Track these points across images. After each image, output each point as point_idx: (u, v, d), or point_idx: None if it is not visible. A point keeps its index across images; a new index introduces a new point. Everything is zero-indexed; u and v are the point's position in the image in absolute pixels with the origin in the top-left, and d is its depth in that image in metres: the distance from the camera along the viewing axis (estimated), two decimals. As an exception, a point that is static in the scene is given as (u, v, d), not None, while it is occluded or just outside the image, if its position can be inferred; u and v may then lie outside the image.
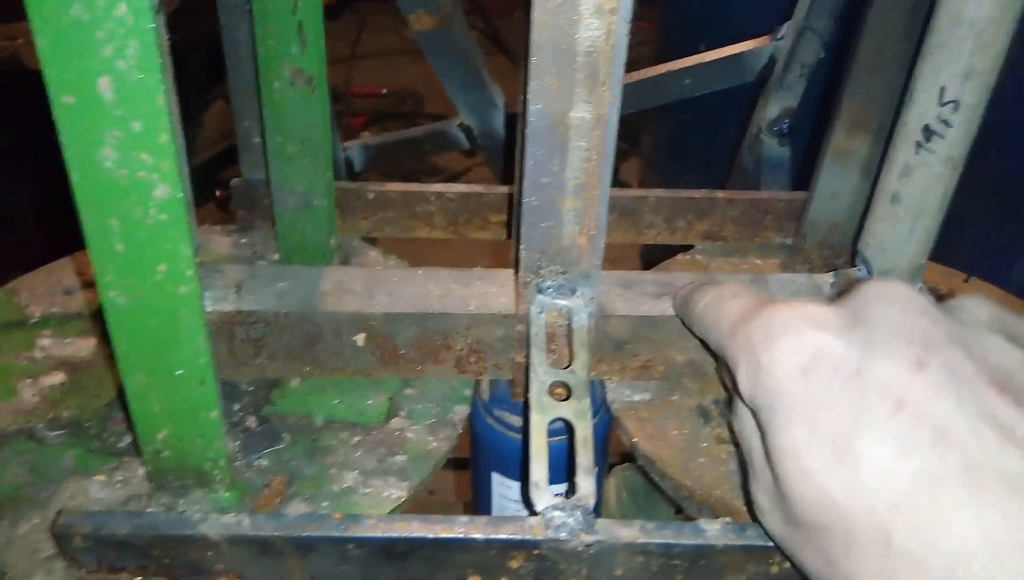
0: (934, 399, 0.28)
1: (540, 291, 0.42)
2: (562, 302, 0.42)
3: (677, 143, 1.36)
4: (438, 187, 0.58)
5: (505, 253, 0.48)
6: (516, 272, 0.42)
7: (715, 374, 0.46)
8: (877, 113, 0.51)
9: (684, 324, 0.42)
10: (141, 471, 0.39)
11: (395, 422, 0.44)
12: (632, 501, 0.58)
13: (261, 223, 0.57)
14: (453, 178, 2.10)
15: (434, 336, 0.44)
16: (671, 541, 0.34)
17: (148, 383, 0.34)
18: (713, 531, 0.35)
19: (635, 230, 0.61)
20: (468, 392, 0.47)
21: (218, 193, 0.87)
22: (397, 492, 0.41)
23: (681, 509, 0.56)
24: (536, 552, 0.35)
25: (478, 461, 0.51)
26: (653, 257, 0.64)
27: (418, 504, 0.42)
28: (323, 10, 0.45)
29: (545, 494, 0.35)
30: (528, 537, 0.34)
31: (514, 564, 0.35)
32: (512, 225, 0.46)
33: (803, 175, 0.59)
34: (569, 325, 0.42)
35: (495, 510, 0.51)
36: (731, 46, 0.72)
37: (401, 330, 0.44)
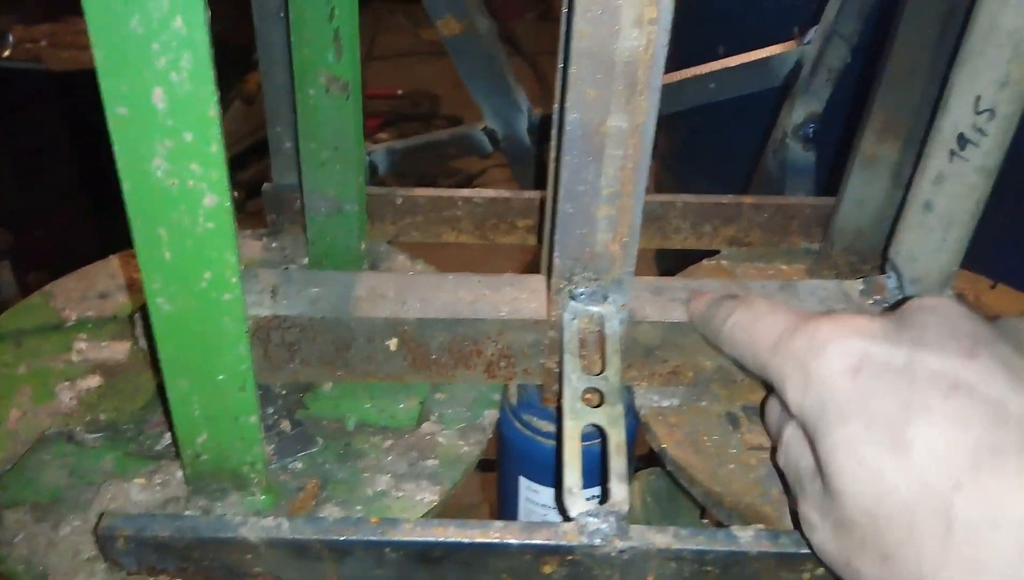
0: (988, 380, 0.28)
1: (573, 297, 0.42)
2: (594, 308, 0.42)
3: (693, 146, 1.35)
4: (466, 192, 0.59)
5: (527, 257, 0.48)
6: (548, 278, 0.43)
7: (743, 380, 0.46)
8: (908, 119, 0.50)
9: (705, 338, 0.42)
10: (179, 474, 0.40)
11: (426, 426, 0.45)
12: (656, 505, 0.58)
13: (291, 227, 0.57)
14: (469, 179, 2.11)
15: (465, 341, 0.45)
16: (704, 548, 0.35)
17: (191, 388, 0.35)
18: (746, 538, 0.35)
19: (661, 235, 0.61)
20: (497, 397, 0.48)
21: (236, 194, 0.88)
22: (429, 496, 0.41)
23: (704, 513, 0.56)
24: (569, 557, 0.35)
25: (505, 465, 0.52)
26: (670, 264, 0.64)
27: (450, 508, 0.42)
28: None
29: (579, 500, 0.35)
30: (562, 543, 0.34)
31: (547, 569, 0.35)
32: (544, 231, 0.46)
33: (829, 180, 0.59)
34: (601, 331, 0.42)
35: (522, 514, 0.52)
36: (757, 51, 0.72)
37: (433, 335, 0.44)
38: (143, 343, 0.47)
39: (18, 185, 1.54)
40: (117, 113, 0.28)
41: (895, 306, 0.34)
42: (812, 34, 0.68)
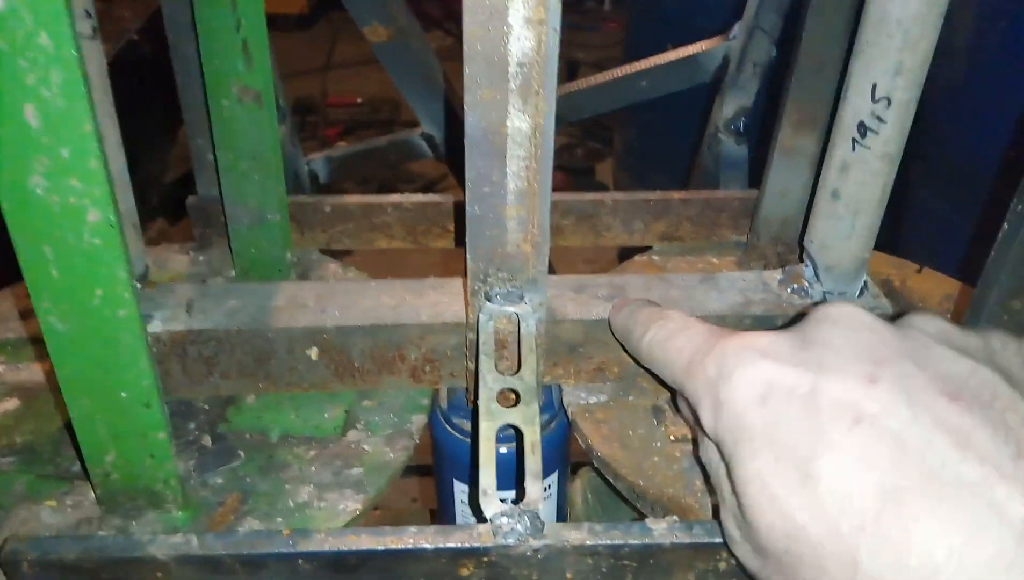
0: (889, 410, 0.28)
1: (488, 299, 0.42)
2: (510, 309, 0.42)
3: (645, 143, 1.37)
4: (395, 198, 0.59)
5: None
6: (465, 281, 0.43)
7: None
8: (821, 111, 0.51)
9: (624, 349, 0.42)
10: (92, 495, 0.39)
11: (352, 435, 0.45)
12: (597, 502, 0.58)
13: (218, 240, 0.57)
14: (429, 185, 2.11)
15: (388, 347, 0.44)
16: (619, 542, 0.35)
17: (93, 407, 0.34)
18: (660, 530, 0.35)
19: (594, 233, 0.61)
20: (426, 401, 0.47)
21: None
22: (352, 505, 0.41)
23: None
24: (486, 559, 0.35)
25: (440, 469, 0.51)
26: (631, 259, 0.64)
27: (396, 513, 0.42)
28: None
29: (493, 501, 0.35)
30: (477, 544, 0.34)
31: (465, 572, 0.35)
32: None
33: (761, 172, 0.60)
34: (518, 331, 0.42)
35: (459, 517, 0.52)
36: (685, 47, 0.73)
37: (354, 343, 0.44)
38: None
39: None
40: (-11, 131, 0.27)
41: (814, 307, 0.34)
42: (736, 29, 0.69)
